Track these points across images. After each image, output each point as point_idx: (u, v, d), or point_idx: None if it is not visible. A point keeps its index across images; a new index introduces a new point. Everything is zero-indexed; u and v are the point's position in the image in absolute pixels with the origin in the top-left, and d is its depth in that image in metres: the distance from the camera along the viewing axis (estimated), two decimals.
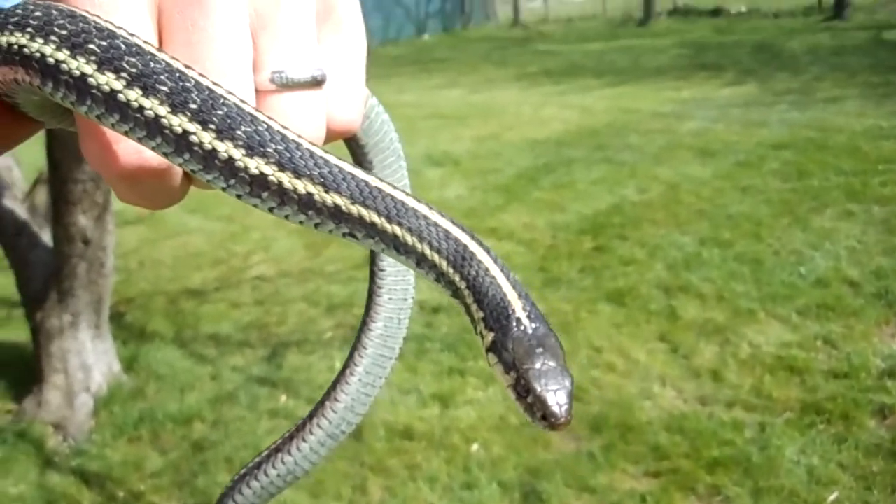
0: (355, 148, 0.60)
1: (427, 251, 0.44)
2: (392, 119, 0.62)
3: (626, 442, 3.46)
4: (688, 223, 5.94)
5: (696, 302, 4.68)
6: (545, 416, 0.43)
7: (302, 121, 0.42)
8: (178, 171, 0.41)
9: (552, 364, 0.44)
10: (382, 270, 0.64)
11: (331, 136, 0.46)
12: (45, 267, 3.34)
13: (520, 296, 0.45)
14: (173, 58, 0.36)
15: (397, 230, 0.42)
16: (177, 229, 7.36)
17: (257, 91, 0.41)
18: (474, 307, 0.45)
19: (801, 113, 9.10)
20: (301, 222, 0.40)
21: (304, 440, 0.62)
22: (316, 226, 0.41)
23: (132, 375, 4.32)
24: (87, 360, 3.70)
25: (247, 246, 6.54)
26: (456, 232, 0.45)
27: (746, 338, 4.22)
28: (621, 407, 3.71)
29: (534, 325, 0.45)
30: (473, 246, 0.45)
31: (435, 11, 32.69)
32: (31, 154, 3.99)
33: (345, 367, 0.64)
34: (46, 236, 3.55)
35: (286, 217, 0.40)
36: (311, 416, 0.63)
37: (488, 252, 0.46)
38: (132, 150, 0.38)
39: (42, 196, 3.76)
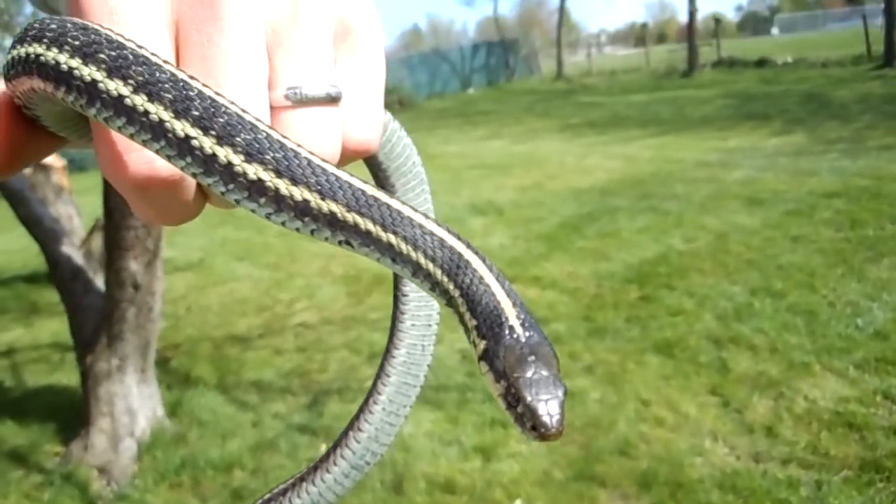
0: (377, 171, 0.61)
1: (422, 260, 0.43)
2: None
3: (675, 500, 3.30)
4: (737, 273, 5.79)
5: (748, 354, 4.51)
6: (535, 426, 0.40)
7: (317, 138, 0.42)
8: (190, 183, 0.42)
9: (544, 373, 0.42)
10: (405, 296, 0.63)
11: (347, 155, 0.45)
12: (97, 311, 3.43)
13: (514, 304, 0.44)
14: (179, 69, 0.38)
15: (392, 239, 0.42)
16: (224, 276, 7.51)
17: (272, 108, 0.41)
18: (467, 315, 0.44)
19: (853, 161, 8.88)
20: (297, 229, 0.41)
21: (327, 471, 0.61)
22: (312, 233, 0.41)
23: (175, 421, 4.35)
24: (133, 404, 3.74)
25: (291, 293, 6.62)
26: (451, 241, 0.45)
27: (802, 392, 4.04)
28: (671, 463, 3.55)
29: (527, 334, 0.43)
30: (469, 255, 0.45)
31: (480, 66, 33.40)
32: (90, 204, 4.14)
33: (368, 395, 0.63)
34: (100, 282, 3.65)
35: (283, 224, 0.40)
36: (334, 447, 0.62)
37: (484, 261, 0.45)
38: (143, 160, 0.39)
39: (97, 242, 3.89)
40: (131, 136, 0.37)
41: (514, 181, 10.18)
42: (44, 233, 3.77)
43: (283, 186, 0.39)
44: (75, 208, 6.90)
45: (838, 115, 12.60)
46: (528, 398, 0.40)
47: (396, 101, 25.29)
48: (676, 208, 7.74)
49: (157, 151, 0.37)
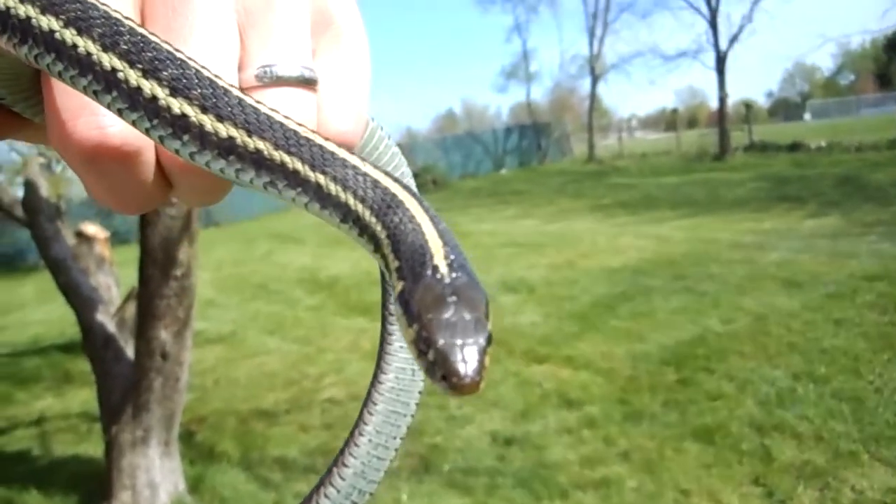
0: None
1: (350, 201, 0.39)
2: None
3: None
4: (778, 356, 5.60)
5: (793, 442, 4.29)
6: (445, 374, 0.34)
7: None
8: (146, 160, 0.39)
9: (465, 315, 0.36)
10: (393, 315, 0.57)
11: None
12: (126, 380, 3.42)
13: (445, 243, 0.38)
14: (115, 10, 0.37)
15: (321, 178, 0.39)
16: (255, 349, 7.51)
17: (243, 89, 0.39)
18: (391, 257, 0.38)
19: (893, 244, 8.69)
20: (221, 170, 0.38)
21: None
22: (237, 173, 0.38)
23: (196, 497, 4.25)
24: (155, 477, 3.67)
25: (320, 368, 6.56)
26: (386, 182, 0.40)
27: (848, 482, 3.81)
28: None
29: (454, 275, 0.37)
30: (403, 195, 0.40)
31: (512, 148, 34.06)
32: (131, 276, 4.22)
33: (354, 427, 0.57)
34: (130, 351, 3.66)
35: (207, 164, 0.38)
36: (318, 486, 0.56)
37: (420, 202, 0.40)
38: (93, 125, 0.37)
39: (131, 311, 3.93)
40: (59, 74, 0.36)
41: (546, 259, 10.15)
42: (81, 301, 3.82)
43: (208, 122, 0.37)
44: (114, 279, 7.04)
45: (875, 198, 12.44)
46: (440, 342, 0.35)
47: (430, 181, 25.77)
48: (713, 289, 7.60)
49: (84, 89, 0.36)
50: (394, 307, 0.38)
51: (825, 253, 8.67)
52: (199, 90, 0.37)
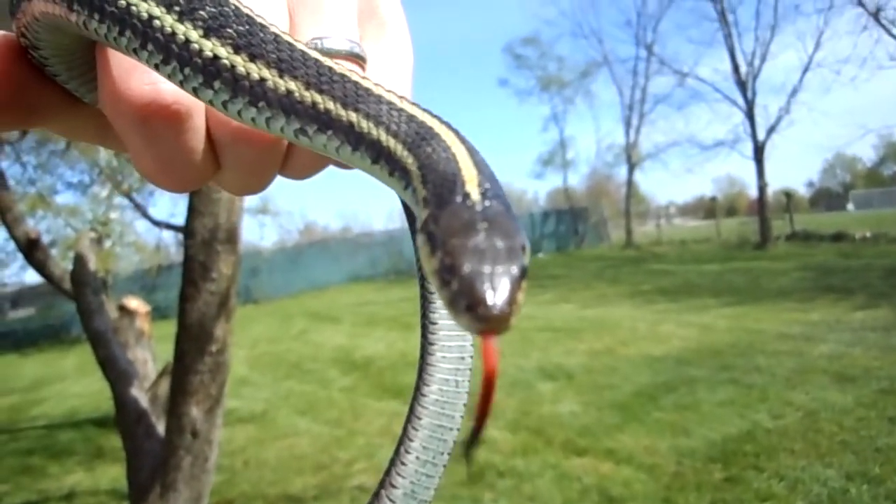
0: None
1: (383, 136, 0.36)
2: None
3: None
4: (830, 455, 5.29)
5: None
6: (471, 304, 0.29)
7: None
8: (197, 125, 0.39)
9: (498, 243, 0.31)
10: (434, 324, 0.54)
11: None
12: (155, 457, 3.37)
13: (480, 172, 0.34)
14: None
15: (353, 116, 0.36)
16: (285, 430, 7.40)
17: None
18: (419, 188, 0.34)
19: None
20: (253, 119, 0.35)
21: None
22: (267, 122, 0.35)
23: None
24: None
25: (350, 452, 6.41)
26: (423, 116, 0.37)
27: None
28: None
29: (487, 203, 0.33)
30: (439, 127, 0.36)
31: (549, 233, 34.23)
32: (168, 351, 4.24)
33: (399, 444, 0.53)
34: (161, 427, 3.62)
35: (239, 114, 0.35)
36: None
37: (458, 133, 0.36)
38: (146, 81, 0.37)
39: (164, 387, 3.92)
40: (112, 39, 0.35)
41: (585, 346, 9.94)
42: (117, 375, 3.84)
43: (241, 63, 0.34)
44: (151, 353, 7.09)
45: None
46: (466, 268, 0.30)
47: None
48: (760, 382, 7.30)
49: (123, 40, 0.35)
50: (418, 239, 0.33)
51: (877, 346, 8.31)
52: (233, 28, 0.35)
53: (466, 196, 0.33)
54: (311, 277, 26.40)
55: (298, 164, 0.44)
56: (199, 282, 3.10)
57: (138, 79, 0.37)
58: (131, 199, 11.58)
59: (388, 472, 0.54)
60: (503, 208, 0.33)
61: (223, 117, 0.38)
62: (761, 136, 27.41)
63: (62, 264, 5.12)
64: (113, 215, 12.40)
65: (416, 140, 0.36)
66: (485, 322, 0.29)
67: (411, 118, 0.37)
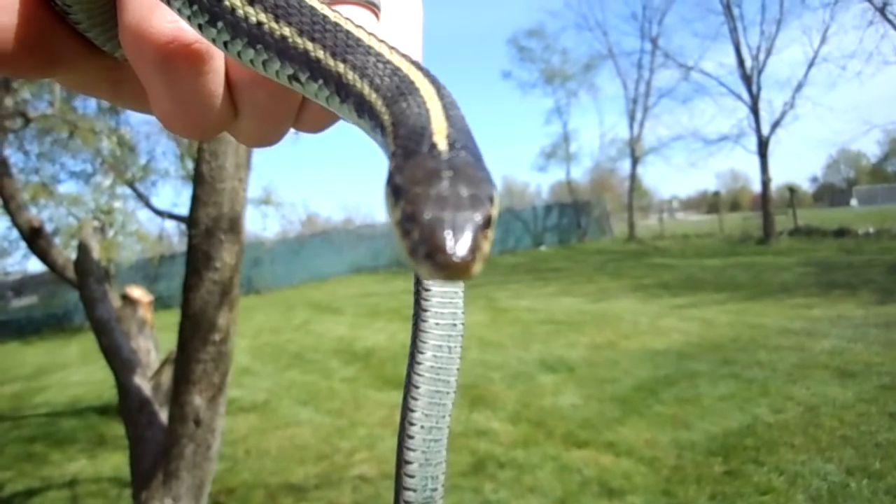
0: None
1: (366, 90, 0.36)
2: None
3: None
4: (831, 449, 5.30)
5: None
6: (430, 251, 0.29)
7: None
8: (216, 66, 0.39)
9: (462, 192, 0.30)
10: (427, 290, 0.55)
11: None
12: (158, 445, 3.38)
13: (451, 125, 0.33)
14: None
15: (340, 67, 0.36)
16: (287, 420, 7.43)
17: None
18: (391, 142, 0.34)
19: None
20: (251, 62, 0.36)
21: None
22: (264, 65, 0.36)
23: None
24: None
25: (352, 442, 6.43)
26: (407, 69, 0.36)
27: None
28: None
29: (454, 153, 0.32)
30: (421, 81, 0.36)
31: (552, 226, 34.19)
32: (170, 341, 4.25)
33: (402, 418, 0.55)
34: (164, 416, 3.64)
35: (238, 55, 0.36)
36: (396, 497, 0.55)
37: (439, 89, 0.36)
38: (167, 19, 0.37)
39: (167, 376, 3.94)
40: None
41: (586, 339, 9.95)
42: (120, 363, 3.85)
43: (239, 5, 0.35)
44: (154, 343, 7.12)
45: None
46: (427, 215, 0.29)
47: None
48: (761, 376, 7.30)
49: None
50: (385, 190, 0.32)
51: (878, 342, 8.31)
52: None
53: (433, 146, 0.32)
54: (313, 268, 26.42)
55: (312, 115, 0.45)
56: (202, 271, 3.10)
57: (160, 17, 0.37)
58: (134, 189, 11.58)
59: (400, 452, 0.55)
60: (471, 158, 0.33)
61: None
62: (765, 130, 27.35)
63: (65, 253, 5.13)
64: (116, 204, 12.39)
65: (395, 95, 0.36)
66: (445, 269, 0.29)
67: (395, 71, 0.36)
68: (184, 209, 9.60)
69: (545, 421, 6.48)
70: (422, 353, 0.55)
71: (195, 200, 3.18)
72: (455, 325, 0.56)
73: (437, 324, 0.55)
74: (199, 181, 3.17)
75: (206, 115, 0.40)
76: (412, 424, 0.55)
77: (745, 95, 27.98)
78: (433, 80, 0.37)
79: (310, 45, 0.36)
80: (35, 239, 4.74)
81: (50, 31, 0.40)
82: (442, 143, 0.33)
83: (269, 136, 0.45)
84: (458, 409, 7.06)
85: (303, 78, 0.37)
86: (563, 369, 8.34)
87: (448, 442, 0.56)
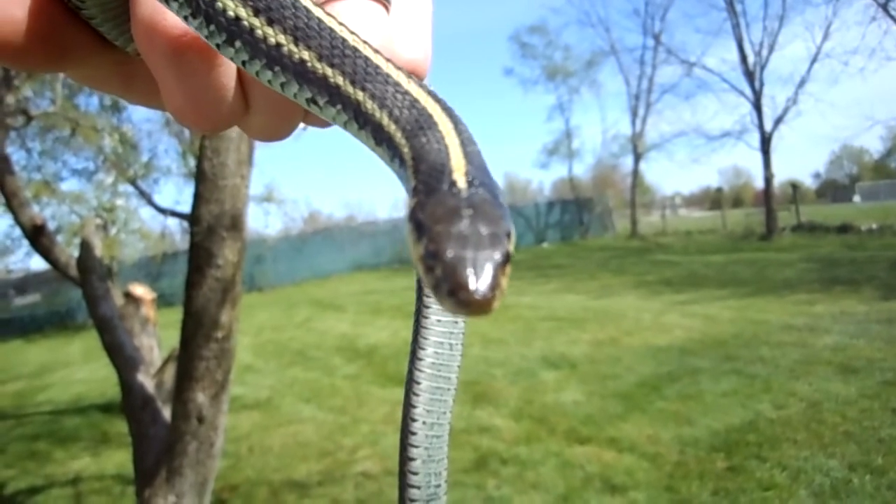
0: None
1: (385, 121, 0.36)
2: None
3: None
4: (833, 445, 5.30)
5: None
6: (453, 289, 0.30)
7: (364, 33, 0.39)
8: (229, 63, 0.39)
9: (482, 230, 0.32)
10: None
11: None
12: (161, 443, 3.39)
13: (469, 162, 0.35)
14: None
15: (360, 95, 0.36)
16: (290, 417, 7.44)
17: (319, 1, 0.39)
18: (412, 177, 0.35)
19: None
20: (269, 81, 0.37)
21: None
22: (282, 86, 0.37)
23: None
24: None
25: (355, 439, 6.44)
26: (426, 101, 0.37)
27: None
28: None
29: (473, 190, 0.33)
30: (439, 116, 0.37)
31: (554, 222, 34.16)
32: (173, 338, 4.25)
33: (404, 414, 0.55)
34: (167, 413, 3.64)
35: (257, 74, 0.37)
36: (401, 495, 0.56)
37: (457, 124, 0.37)
38: (179, 19, 0.37)
39: (170, 374, 3.94)
40: None
41: (589, 335, 9.95)
42: (123, 360, 3.85)
43: (259, 25, 0.36)
44: (157, 340, 7.14)
45: None
46: (449, 253, 0.31)
47: None
48: (764, 372, 7.30)
49: None
50: (407, 227, 0.34)
51: (881, 338, 8.30)
52: None
53: (453, 184, 0.34)
54: (315, 266, 26.44)
55: None
56: (204, 268, 3.10)
57: (174, 16, 0.37)
58: (136, 187, 11.60)
59: (403, 447, 0.56)
60: (489, 196, 0.34)
61: None
62: (768, 126, 27.28)
63: (67, 251, 5.13)
64: (118, 202, 12.42)
65: (415, 129, 0.36)
66: (467, 306, 0.30)
67: (414, 103, 0.37)
68: (186, 206, 9.61)
69: (547, 417, 6.49)
70: (423, 349, 0.56)
71: (197, 198, 3.19)
72: (457, 322, 0.57)
73: (438, 320, 0.56)
74: (201, 178, 3.17)
75: (217, 109, 0.40)
76: (414, 421, 0.55)
77: (748, 91, 27.94)
78: (450, 114, 0.38)
79: (329, 71, 0.37)
80: (37, 237, 4.74)
81: (62, 25, 0.40)
82: (461, 181, 0.34)
83: (280, 131, 0.45)
84: (461, 405, 7.07)
85: (321, 102, 0.37)
86: (565, 366, 8.34)
87: (449, 439, 0.56)
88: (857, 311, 10.06)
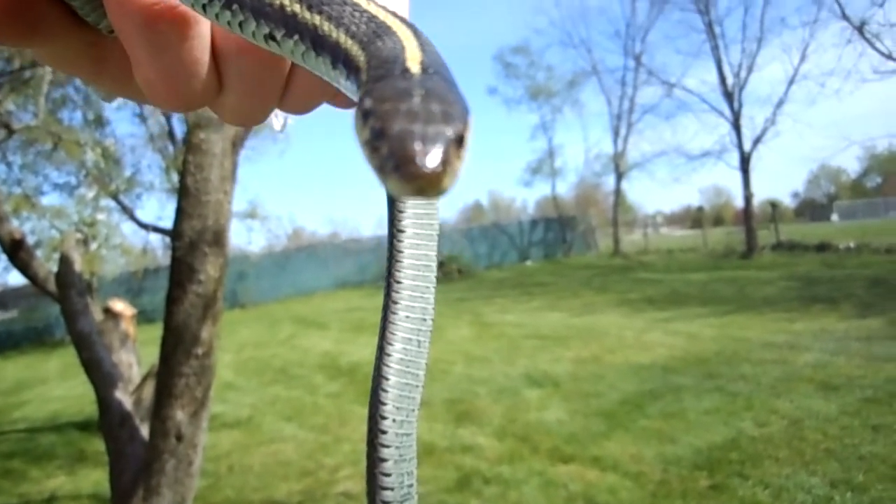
0: None
1: (342, 38, 0.35)
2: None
3: None
4: (815, 462, 5.33)
5: None
6: (398, 163, 0.28)
7: None
8: (202, 31, 0.38)
9: (433, 107, 0.29)
10: (399, 283, 0.55)
11: None
12: (138, 461, 3.33)
13: (425, 54, 0.33)
14: None
15: (317, 19, 0.35)
16: (271, 436, 7.35)
17: None
18: (364, 77, 0.33)
19: None
20: (228, 23, 0.36)
21: None
22: (241, 26, 0.36)
23: None
24: None
25: (336, 458, 6.37)
26: (383, 16, 0.36)
27: None
28: None
29: (426, 76, 0.31)
30: (398, 27, 0.36)
31: (537, 240, 34.29)
32: (153, 355, 4.20)
33: (371, 412, 0.54)
34: (145, 431, 3.59)
35: (216, 17, 0.36)
36: (371, 496, 0.54)
37: (415, 31, 0.36)
38: None
39: (148, 391, 3.88)
40: None
41: (572, 353, 9.96)
42: (101, 377, 3.79)
43: None
44: (136, 357, 7.04)
45: None
46: (395, 129, 0.28)
47: (456, 270, 25.86)
48: (745, 390, 7.34)
49: None
50: (354, 116, 0.31)
51: (861, 356, 8.39)
52: None
53: (406, 70, 0.32)
54: (298, 282, 26.29)
55: (298, 92, 0.44)
56: (185, 283, 3.07)
57: None
58: (118, 201, 11.49)
59: (372, 447, 0.54)
60: (444, 82, 0.32)
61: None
62: (747, 146, 27.64)
63: (46, 265, 5.07)
64: (99, 217, 12.30)
65: (371, 38, 0.35)
66: (414, 180, 0.28)
67: (372, 18, 0.36)
68: (168, 222, 9.53)
69: (531, 436, 6.47)
70: (391, 344, 0.54)
71: (179, 213, 3.16)
72: (425, 319, 0.56)
73: (407, 316, 0.55)
74: (184, 194, 3.15)
75: (190, 85, 0.40)
76: (384, 419, 0.53)
77: (727, 112, 28.32)
78: (410, 25, 0.37)
79: (286, 1, 0.36)
80: (16, 251, 4.68)
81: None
82: (415, 67, 0.32)
83: (255, 113, 0.44)
84: (444, 423, 7.03)
85: (279, 35, 0.36)
86: (548, 384, 8.33)
87: (417, 440, 0.56)
88: (836, 329, 10.17)
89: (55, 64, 0.45)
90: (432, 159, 0.28)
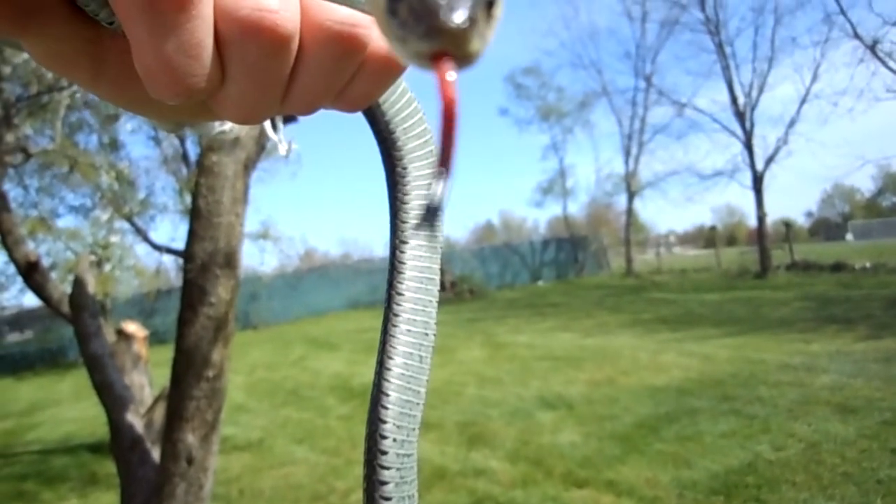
0: (379, 117, 0.53)
1: None
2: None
3: None
4: (833, 487, 5.22)
5: None
6: (419, 18, 0.25)
7: None
8: (205, 11, 0.37)
9: None
10: (401, 295, 0.53)
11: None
12: (149, 484, 3.32)
13: None
14: None
15: None
16: (282, 459, 7.31)
17: None
18: None
19: None
20: None
21: None
22: None
23: None
24: None
25: (348, 482, 6.32)
26: None
27: None
28: None
29: None
30: None
31: (549, 260, 34.23)
32: (165, 377, 4.20)
33: (371, 428, 0.51)
34: (156, 454, 3.58)
35: None
36: None
37: None
38: None
39: (160, 413, 3.88)
40: None
41: (585, 375, 9.87)
42: (113, 399, 3.79)
43: None
44: (148, 378, 7.05)
45: None
46: None
47: (468, 290, 25.81)
48: (762, 413, 7.23)
49: None
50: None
51: (879, 377, 8.25)
52: None
53: None
54: (310, 303, 26.33)
55: (302, 87, 0.43)
56: (196, 306, 3.08)
57: None
58: (132, 223, 11.60)
59: (371, 469, 0.52)
60: None
61: (231, 9, 0.37)
62: (760, 166, 27.55)
63: (61, 287, 5.10)
64: (113, 239, 12.41)
65: None
66: (436, 36, 0.25)
67: None
68: (182, 243, 9.60)
69: (544, 459, 6.39)
70: (391, 359, 0.53)
71: (191, 235, 3.18)
72: (427, 333, 0.54)
73: (408, 330, 0.53)
74: (196, 215, 3.16)
75: (191, 70, 0.38)
76: (384, 438, 0.51)
77: (739, 131, 28.28)
78: None
79: None
80: (31, 273, 4.72)
81: None
82: None
83: (258, 107, 0.43)
84: (456, 447, 6.96)
85: None
86: (562, 406, 8.25)
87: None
88: (853, 350, 10.03)
89: (52, 64, 0.43)
90: (459, 14, 0.25)
